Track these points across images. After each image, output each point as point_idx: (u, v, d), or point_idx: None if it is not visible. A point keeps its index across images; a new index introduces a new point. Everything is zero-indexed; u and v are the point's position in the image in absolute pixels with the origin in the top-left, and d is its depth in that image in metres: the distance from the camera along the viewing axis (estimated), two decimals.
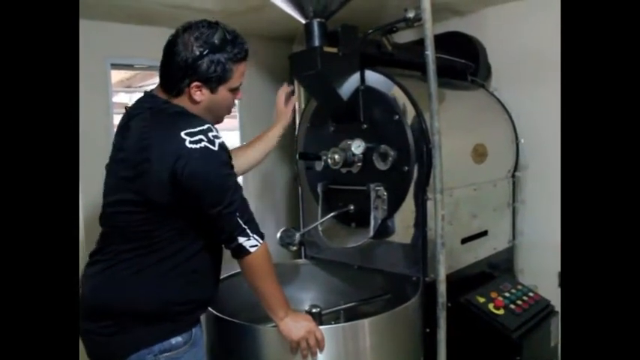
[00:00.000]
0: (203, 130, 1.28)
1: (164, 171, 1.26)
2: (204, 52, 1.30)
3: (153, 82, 3.17)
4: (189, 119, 1.33)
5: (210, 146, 1.27)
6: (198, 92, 1.35)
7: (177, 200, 1.30)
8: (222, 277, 1.54)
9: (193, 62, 1.30)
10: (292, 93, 1.93)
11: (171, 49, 1.33)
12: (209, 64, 1.31)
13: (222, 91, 1.38)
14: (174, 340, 1.36)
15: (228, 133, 2.79)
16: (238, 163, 1.67)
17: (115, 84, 2.55)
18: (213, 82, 1.34)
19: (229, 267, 1.54)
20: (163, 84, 1.39)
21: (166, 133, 1.29)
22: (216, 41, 1.30)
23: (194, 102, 1.36)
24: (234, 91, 1.41)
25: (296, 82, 2.61)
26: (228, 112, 1.48)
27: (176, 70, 1.33)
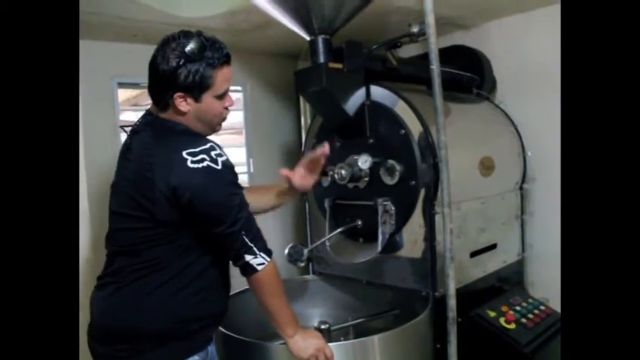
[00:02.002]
0: (205, 149, 1.27)
1: (166, 190, 1.26)
2: (181, 62, 1.27)
3: None
4: (192, 138, 1.32)
5: (213, 165, 1.26)
6: (183, 103, 1.32)
7: (182, 218, 1.29)
8: (230, 293, 1.53)
9: (172, 74, 1.28)
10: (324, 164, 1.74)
11: (152, 64, 1.32)
12: (187, 74, 1.28)
13: (208, 99, 1.34)
14: None
15: (235, 149, 2.80)
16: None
17: (121, 102, 2.57)
18: (194, 90, 1.31)
19: (239, 283, 1.53)
20: (152, 100, 1.39)
21: (168, 153, 1.28)
22: (193, 49, 1.28)
23: (180, 113, 1.34)
24: (221, 97, 1.37)
25: (302, 99, 2.63)
26: (221, 119, 1.43)
27: (158, 83, 1.32)
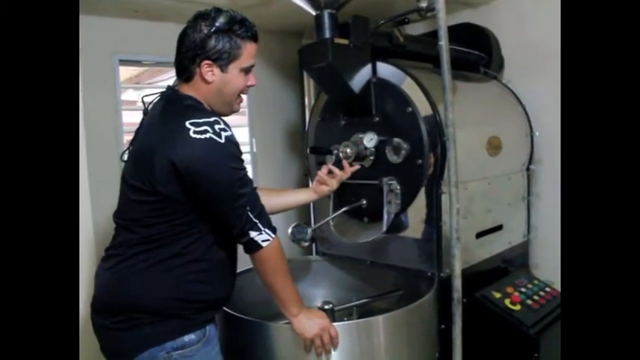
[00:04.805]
0: (209, 121, 1.26)
1: (164, 159, 1.24)
2: (212, 30, 1.32)
3: (161, 78, 3.16)
4: (197, 111, 1.32)
5: (216, 138, 1.24)
6: (210, 72, 1.35)
7: (183, 192, 1.27)
8: None
9: (202, 41, 1.32)
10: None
11: (182, 35, 1.37)
12: (217, 41, 1.32)
13: (233, 71, 1.37)
14: (187, 338, 1.33)
15: (238, 129, 2.77)
16: None
17: (123, 81, 2.53)
18: (222, 59, 1.34)
19: (243, 262, 1.52)
20: (177, 71, 1.41)
21: (170, 122, 1.29)
22: (223, 21, 1.33)
23: (206, 82, 1.36)
24: (246, 72, 1.40)
25: (305, 77, 2.59)
26: (240, 98, 1.45)
27: (186, 52, 1.35)
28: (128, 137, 2.39)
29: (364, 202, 1.99)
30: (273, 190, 1.84)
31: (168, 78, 3.07)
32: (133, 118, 2.44)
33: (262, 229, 1.33)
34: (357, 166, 1.87)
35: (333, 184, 1.83)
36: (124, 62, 2.42)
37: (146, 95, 1.46)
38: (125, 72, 2.79)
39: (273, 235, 1.35)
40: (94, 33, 2.16)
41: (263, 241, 1.33)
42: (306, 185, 2.35)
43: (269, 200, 1.68)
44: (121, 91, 2.41)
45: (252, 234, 1.32)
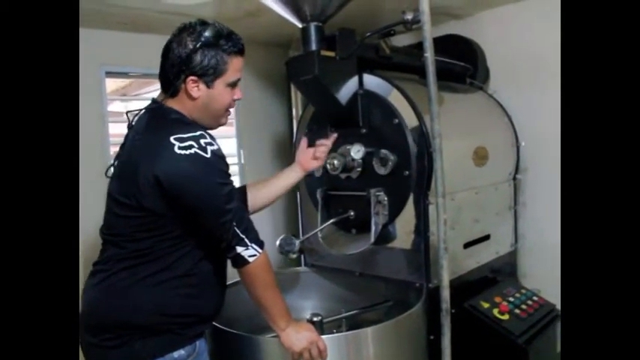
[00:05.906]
0: (195, 136, 1.25)
1: (149, 175, 1.23)
2: (198, 45, 1.29)
3: (148, 90, 3.15)
4: (182, 125, 1.30)
5: (202, 153, 1.23)
6: (195, 87, 1.33)
7: (169, 207, 1.26)
8: None
9: (187, 57, 1.29)
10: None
11: (167, 49, 1.34)
12: (202, 57, 1.30)
13: (219, 86, 1.35)
14: (176, 354, 1.32)
15: (225, 140, 2.76)
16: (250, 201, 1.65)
17: (110, 93, 2.52)
18: (208, 75, 1.32)
19: (230, 275, 1.51)
20: (162, 86, 1.39)
21: (155, 136, 1.27)
22: (209, 35, 1.30)
23: (192, 98, 1.34)
24: (232, 87, 1.38)
25: (293, 89, 2.60)
26: (227, 112, 1.44)
27: (171, 67, 1.32)
28: (115, 148, 2.38)
29: (352, 213, 2.00)
30: (261, 182, 1.76)
31: (154, 90, 3.05)
32: (119, 130, 2.42)
33: (249, 244, 1.32)
34: (335, 134, 1.84)
35: (322, 154, 1.78)
36: (111, 74, 2.41)
37: (130, 111, 1.44)
38: (112, 83, 2.77)
39: (260, 250, 1.34)
40: (81, 45, 2.14)
41: (250, 256, 1.32)
42: (294, 195, 2.35)
43: (259, 194, 1.69)
44: (107, 102, 2.40)
45: (239, 249, 1.31)
